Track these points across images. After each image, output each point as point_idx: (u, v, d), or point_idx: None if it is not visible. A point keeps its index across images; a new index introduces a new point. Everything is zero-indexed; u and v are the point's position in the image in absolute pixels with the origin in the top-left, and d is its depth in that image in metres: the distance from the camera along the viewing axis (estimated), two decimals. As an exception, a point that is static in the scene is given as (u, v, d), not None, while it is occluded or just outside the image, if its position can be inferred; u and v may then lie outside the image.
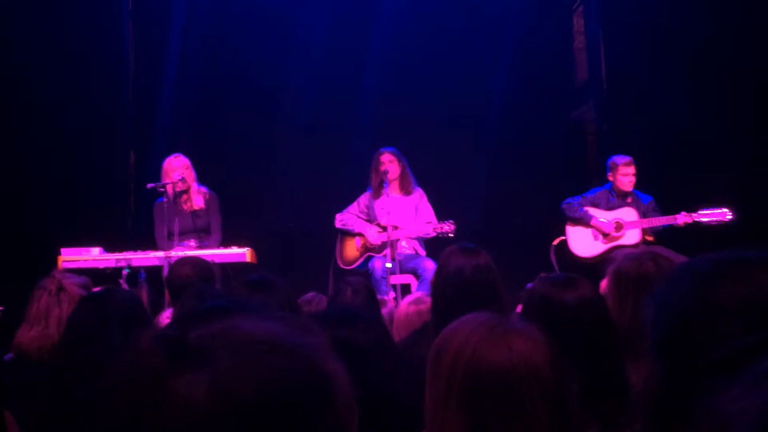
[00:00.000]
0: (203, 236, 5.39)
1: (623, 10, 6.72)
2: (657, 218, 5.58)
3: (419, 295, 3.44)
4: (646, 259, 2.19)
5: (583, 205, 5.73)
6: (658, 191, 5.81)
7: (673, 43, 6.56)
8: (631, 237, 5.63)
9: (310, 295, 3.19)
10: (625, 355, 1.98)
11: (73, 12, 6.51)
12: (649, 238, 5.67)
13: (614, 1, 6.80)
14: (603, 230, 5.65)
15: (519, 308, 3.05)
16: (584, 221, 5.71)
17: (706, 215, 5.45)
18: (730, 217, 5.41)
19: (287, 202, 6.90)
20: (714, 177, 6.17)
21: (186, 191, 5.45)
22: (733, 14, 6.37)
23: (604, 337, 1.85)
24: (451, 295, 2.35)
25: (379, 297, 3.69)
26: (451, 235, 5.43)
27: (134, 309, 2.20)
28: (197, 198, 5.46)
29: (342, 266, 5.77)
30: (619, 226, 5.65)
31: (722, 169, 6.26)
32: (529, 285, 4.14)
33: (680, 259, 5.27)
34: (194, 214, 5.43)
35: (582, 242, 5.75)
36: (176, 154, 5.49)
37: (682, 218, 5.45)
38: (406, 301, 3.31)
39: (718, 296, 1.02)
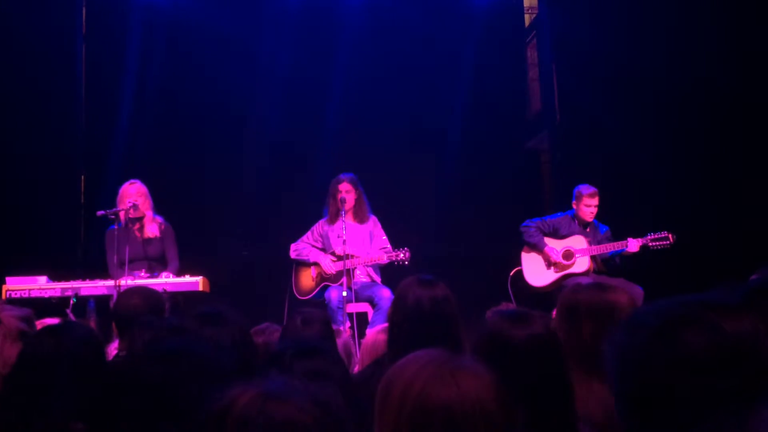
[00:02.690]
0: (154, 265, 5.28)
1: (574, 42, 6.90)
2: (605, 245, 5.69)
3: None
4: (592, 288, 2.22)
5: (540, 229, 5.80)
6: (609, 220, 5.92)
7: (623, 73, 6.76)
8: (581, 264, 5.72)
9: (263, 325, 3.14)
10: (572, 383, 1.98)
11: (23, 29, 6.38)
12: (599, 267, 5.77)
13: (565, 34, 6.98)
14: (552, 259, 5.73)
15: None
16: (538, 248, 5.78)
17: (653, 239, 5.59)
18: (672, 240, 5.56)
19: (243, 229, 6.82)
20: (662, 206, 6.34)
21: (139, 219, 5.34)
22: (681, 44, 6.60)
23: (553, 375, 1.83)
24: (409, 327, 2.34)
25: (335, 327, 3.66)
26: (407, 263, 5.44)
27: (88, 351, 2.09)
28: (151, 226, 5.35)
29: (298, 297, 5.71)
30: (569, 255, 5.74)
31: (670, 199, 6.44)
32: (489, 312, 4.17)
33: (633, 288, 5.41)
34: (146, 241, 5.32)
35: (535, 271, 5.82)
36: (132, 181, 5.39)
37: (634, 243, 5.55)
38: (374, 330, 3.31)
39: (683, 345, 1.02)
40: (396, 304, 2.45)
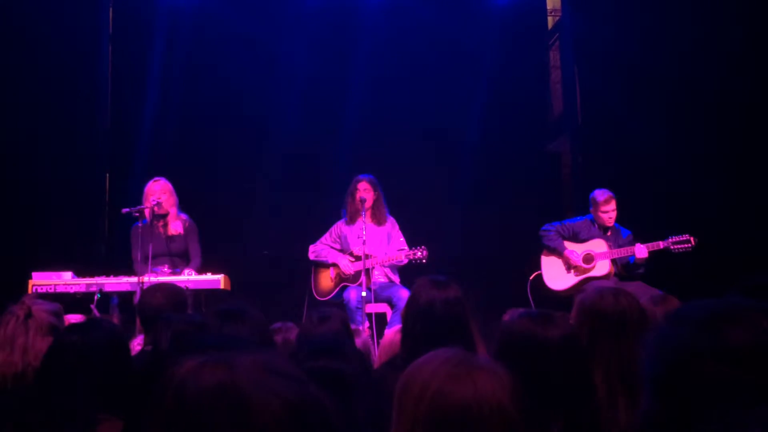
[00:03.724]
0: (177, 261, 5.35)
1: (597, 45, 6.86)
2: (620, 249, 5.65)
3: None
4: (608, 293, 2.23)
5: (560, 233, 5.78)
6: (631, 223, 5.88)
7: (646, 77, 6.71)
8: (602, 268, 5.69)
9: (277, 324, 3.18)
10: None
11: (50, 30, 6.49)
12: (620, 271, 5.74)
13: (588, 36, 6.94)
14: (571, 263, 5.71)
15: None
16: (558, 251, 5.76)
17: (674, 243, 5.53)
18: (693, 243, 5.51)
19: (264, 229, 6.87)
20: (685, 209, 6.28)
21: (164, 216, 5.41)
22: (704, 48, 6.54)
23: (582, 374, 1.85)
24: (421, 328, 2.36)
25: (353, 327, 3.69)
26: (424, 261, 5.45)
27: (114, 347, 2.12)
28: (175, 224, 5.42)
29: (317, 297, 5.75)
30: (589, 258, 5.71)
31: (693, 202, 6.38)
32: (506, 317, 4.18)
33: (652, 293, 5.36)
34: (169, 238, 5.39)
35: (555, 275, 5.79)
36: (157, 178, 5.46)
37: (641, 249, 5.50)
38: (392, 330, 3.34)
39: (727, 339, 1.05)
40: (409, 304, 2.48)
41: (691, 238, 5.53)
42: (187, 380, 0.86)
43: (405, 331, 2.44)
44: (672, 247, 5.54)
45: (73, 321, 2.94)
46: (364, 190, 5.67)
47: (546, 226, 5.83)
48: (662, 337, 1.12)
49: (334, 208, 6.05)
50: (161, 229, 5.41)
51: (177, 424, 0.82)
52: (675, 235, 5.56)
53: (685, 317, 1.12)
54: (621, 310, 2.13)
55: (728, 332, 1.05)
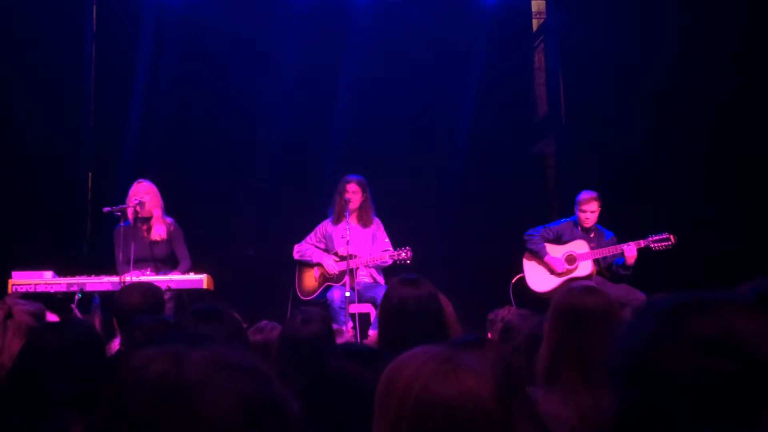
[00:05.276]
0: (160, 266, 5.30)
1: (582, 47, 6.90)
2: (603, 249, 5.66)
3: None
4: (580, 292, 2.23)
5: (544, 237, 5.80)
6: (615, 225, 5.90)
7: (630, 79, 6.75)
8: (584, 268, 5.71)
9: (263, 323, 3.17)
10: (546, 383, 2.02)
11: (31, 27, 6.43)
12: (603, 272, 5.75)
13: (573, 39, 6.98)
14: (554, 269, 5.72)
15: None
16: (539, 256, 5.77)
17: (654, 241, 5.55)
18: (674, 241, 5.53)
19: (249, 228, 6.85)
20: (669, 211, 6.32)
21: (148, 220, 5.36)
22: (689, 50, 6.58)
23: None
24: (395, 327, 2.38)
25: (336, 327, 3.68)
26: (409, 262, 5.45)
27: (89, 348, 2.10)
28: (159, 227, 5.36)
29: (301, 297, 5.74)
30: (572, 259, 5.73)
31: (678, 204, 6.42)
32: (491, 314, 4.19)
33: (636, 295, 5.37)
34: (153, 243, 5.33)
35: (538, 277, 5.81)
36: (140, 180, 5.42)
37: (629, 250, 5.50)
38: (377, 331, 3.35)
39: (690, 329, 1.05)
40: (383, 304, 2.50)
41: (671, 236, 5.56)
42: (135, 370, 0.84)
43: (380, 332, 2.46)
44: (652, 246, 5.56)
45: (49, 320, 2.91)
46: (353, 192, 5.67)
47: (530, 231, 5.85)
48: (628, 331, 1.12)
49: (320, 208, 6.04)
50: (145, 233, 5.36)
51: (120, 413, 0.81)
52: (655, 234, 5.58)
53: (651, 310, 1.13)
54: (590, 306, 2.14)
55: (692, 322, 1.06)
